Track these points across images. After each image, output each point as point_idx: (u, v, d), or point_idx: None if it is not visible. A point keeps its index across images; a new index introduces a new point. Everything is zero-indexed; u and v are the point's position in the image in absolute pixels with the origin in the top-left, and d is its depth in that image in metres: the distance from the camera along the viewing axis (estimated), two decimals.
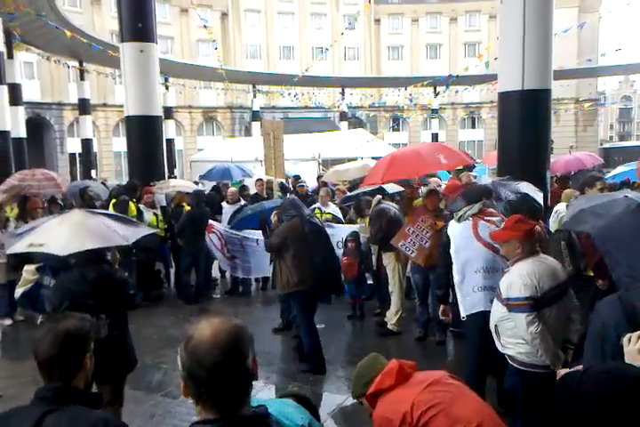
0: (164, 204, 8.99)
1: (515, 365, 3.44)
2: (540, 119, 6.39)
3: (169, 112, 28.13)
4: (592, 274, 5.09)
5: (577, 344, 3.51)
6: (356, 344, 6.32)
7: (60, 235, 3.74)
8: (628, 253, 2.49)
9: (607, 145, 37.25)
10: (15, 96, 18.97)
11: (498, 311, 3.50)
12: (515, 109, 6.40)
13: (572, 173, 11.45)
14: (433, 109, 31.75)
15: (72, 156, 30.96)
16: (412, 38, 40.36)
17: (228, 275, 9.00)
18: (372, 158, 13.51)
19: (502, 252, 3.62)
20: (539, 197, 5.27)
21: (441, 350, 6.01)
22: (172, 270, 8.92)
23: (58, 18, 17.57)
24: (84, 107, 25.97)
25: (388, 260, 6.51)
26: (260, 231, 6.57)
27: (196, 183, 12.42)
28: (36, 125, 29.05)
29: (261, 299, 8.52)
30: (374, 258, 6.82)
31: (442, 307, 4.79)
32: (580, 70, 29.37)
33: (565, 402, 1.61)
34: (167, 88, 27.75)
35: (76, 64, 24.18)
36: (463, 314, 4.22)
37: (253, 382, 1.39)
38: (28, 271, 4.69)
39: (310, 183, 11.69)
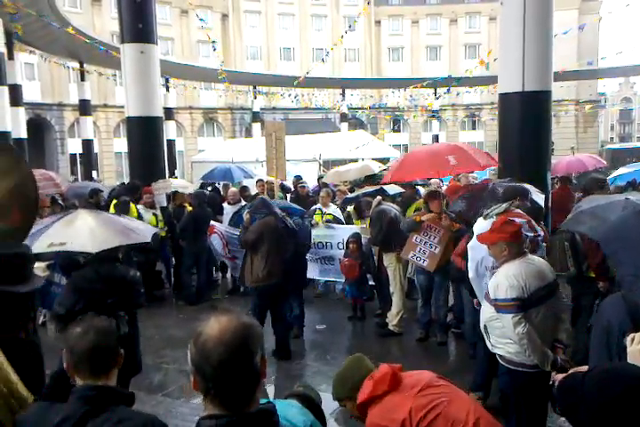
0: (165, 204, 9.00)
1: (505, 364, 3.47)
2: (541, 121, 6.40)
3: (169, 113, 28.08)
4: (593, 275, 5.10)
5: (568, 344, 3.53)
6: (356, 345, 6.32)
7: (82, 233, 3.72)
8: (634, 253, 2.52)
9: (614, 146, 37.00)
10: (16, 97, 19.03)
11: (487, 311, 3.55)
12: (515, 111, 6.40)
13: (573, 174, 11.45)
14: (433, 111, 31.73)
15: (73, 156, 30.94)
16: (413, 40, 40.35)
17: (228, 275, 9.00)
18: (373, 159, 13.55)
19: (490, 253, 3.64)
20: (540, 198, 5.28)
21: (442, 351, 6.01)
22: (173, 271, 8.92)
23: (58, 19, 17.54)
24: (84, 107, 25.95)
25: (389, 261, 6.52)
26: None
27: (203, 186, 12.27)
28: (37, 126, 29.02)
29: None
30: (375, 259, 6.82)
31: (475, 301, 4.69)
32: (580, 72, 29.34)
33: (568, 403, 1.61)
34: (168, 89, 27.77)
35: (77, 65, 24.19)
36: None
37: None
38: (39, 268, 4.70)
39: (311, 184, 11.68)
